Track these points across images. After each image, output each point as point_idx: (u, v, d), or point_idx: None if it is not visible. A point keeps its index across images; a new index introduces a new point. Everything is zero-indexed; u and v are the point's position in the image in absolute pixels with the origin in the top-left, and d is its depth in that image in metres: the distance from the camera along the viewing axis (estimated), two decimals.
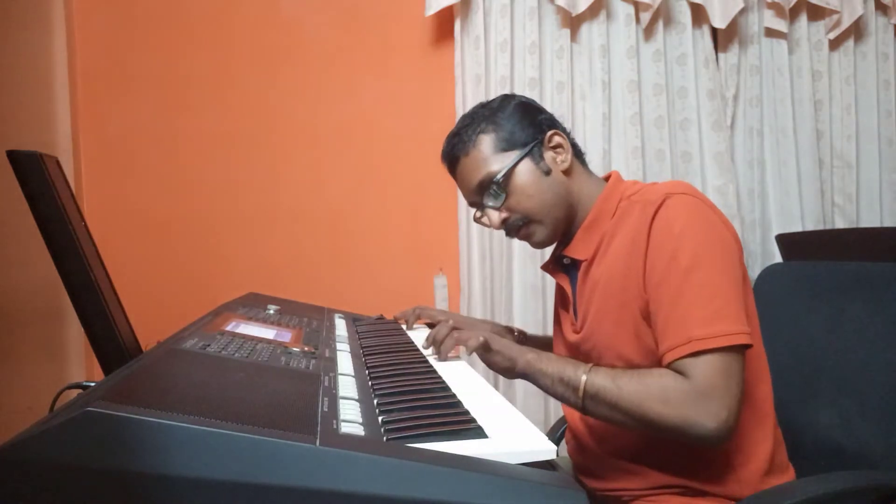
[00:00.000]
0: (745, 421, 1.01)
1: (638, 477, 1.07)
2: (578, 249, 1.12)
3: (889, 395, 1.12)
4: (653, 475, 1.06)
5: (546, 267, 1.22)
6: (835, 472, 0.99)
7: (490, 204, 1.11)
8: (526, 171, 1.10)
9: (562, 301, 1.21)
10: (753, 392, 1.03)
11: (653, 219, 0.99)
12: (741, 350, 0.92)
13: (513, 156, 1.10)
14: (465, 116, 1.16)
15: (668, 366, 0.93)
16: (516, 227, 1.13)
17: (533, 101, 1.17)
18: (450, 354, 1.14)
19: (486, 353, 1.05)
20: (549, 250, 1.23)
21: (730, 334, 0.91)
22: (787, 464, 1.09)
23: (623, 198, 1.09)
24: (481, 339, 1.04)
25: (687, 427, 0.88)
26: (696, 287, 0.93)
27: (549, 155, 1.12)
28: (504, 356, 1.04)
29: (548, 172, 1.10)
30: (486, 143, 1.11)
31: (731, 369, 0.90)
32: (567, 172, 1.12)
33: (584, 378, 0.95)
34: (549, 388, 0.99)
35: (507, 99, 1.16)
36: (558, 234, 1.15)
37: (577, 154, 1.16)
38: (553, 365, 0.99)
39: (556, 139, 1.12)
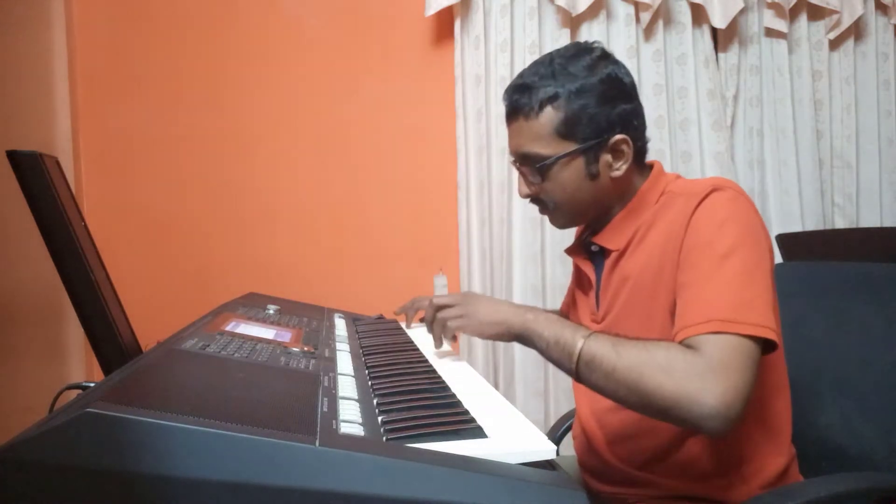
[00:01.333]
0: (758, 432, 1.00)
1: (646, 485, 1.06)
2: (611, 239, 1.07)
3: (890, 396, 1.12)
4: (662, 484, 1.04)
5: (570, 251, 1.18)
6: (837, 473, 0.99)
7: (527, 176, 1.07)
8: (572, 169, 1.03)
9: (581, 285, 1.17)
10: (770, 404, 1.00)
11: (695, 209, 0.94)
12: (761, 346, 0.85)
13: (567, 147, 1.01)
14: (544, 67, 1.03)
15: (681, 342, 0.86)
16: (540, 204, 1.10)
17: (623, 77, 1.03)
18: (447, 348, 1.11)
19: (467, 326, 1.02)
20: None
21: (757, 325, 0.84)
22: (798, 477, 1.07)
23: (665, 191, 1.05)
24: (457, 319, 1.03)
25: (686, 402, 0.79)
26: (729, 274, 0.88)
27: (605, 159, 1.03)
28: (491, 323, 0.98)
29: (595, 176, 1.03)
30: (549, 118, 1.01)
31: (748, 354, 0.83)
32: (615, 179, 1.04)
33: (580, 343, 0.88)
34: (543, 350, 0.93)
35: (599, 64, 1.02)
36: (580, 223, 1.13)
37: (641, 151, 1.07)
38: (552, 327, 0.92)
39: (621, 146, 1.02)
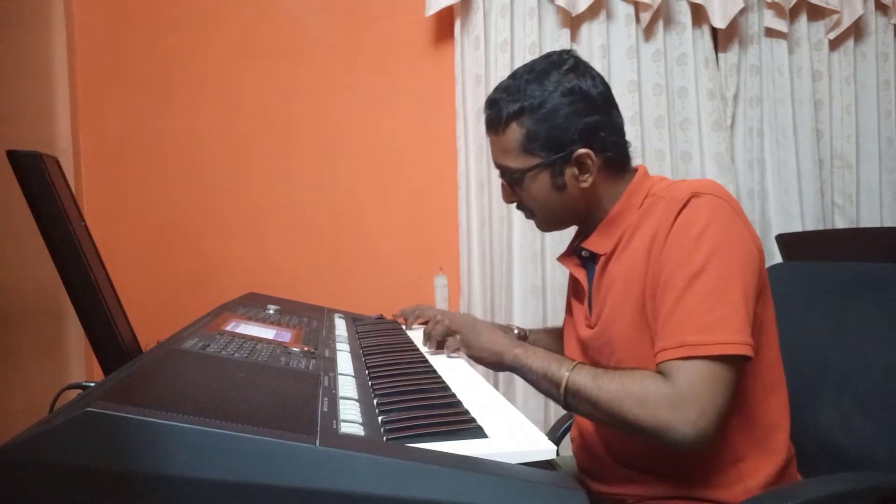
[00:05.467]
0: (751, 431, 1.00)
1: (644, 485, 1.06)
2: (598, 243, 1.09)
3: (890, 396, 1.12)
4: (659, 484, 1.04)
5: (562, 258, 1.20)
6: (837, 473, 0.99)
7: (507, 185, 1.12)
8: (540, 182, 1.07)
9: (576, 293, 1.19)
10: (763, 404, 1.01)
11: (676, 217, 0.96)
12: (737, 361, 0.89)
13: (532, 161, 1.05)
14: (512, 83, 1.06)
15: (657, 367, 0.92)
16: (522, 210, 1.15)
17: (590, 90, 1.04)
18: (451, 353, 1.16)
19: (467, 350, 1.11)
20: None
21: (726, 343, 0.88)
22: (797, 476, 1.07)
23: (649, 193, 1.06)
24: (458, 337, 1.13)
25: (661, 430, 0.87)
26: (701, 293, 0.91)
27: (570, 171, 1.05)
28: (489, 352, 1.07)
29: (562, 188, 1.06)
30: (515, 134, 1.05)
31: (718, 378, 0.88)
32: (585, 189, 1.06)
33: (566, 375, 0.95)
34: (534, 382, 1.00)
35: (566, 78, 1.03)
36: (562, 228, 1.17)
37: (613, 160, 1.07)
38: (540, 361, 1.00)
39: (585, 160, 1.04)
